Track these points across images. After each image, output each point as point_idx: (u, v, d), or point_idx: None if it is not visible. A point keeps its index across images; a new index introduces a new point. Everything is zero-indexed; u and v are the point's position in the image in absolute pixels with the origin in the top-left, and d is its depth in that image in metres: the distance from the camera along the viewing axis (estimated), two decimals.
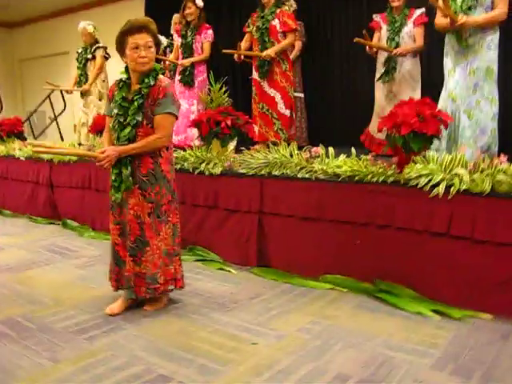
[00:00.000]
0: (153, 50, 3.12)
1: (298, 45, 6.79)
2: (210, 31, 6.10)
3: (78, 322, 3.24)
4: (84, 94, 7.10)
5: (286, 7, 5.60)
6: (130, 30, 3.10)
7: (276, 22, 5.47)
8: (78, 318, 3.29)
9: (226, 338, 2.98)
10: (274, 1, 5.51)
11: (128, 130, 3.13)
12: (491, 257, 3.21)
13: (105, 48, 7.01)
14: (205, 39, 6.05)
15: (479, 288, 3.25)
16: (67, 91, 7.47)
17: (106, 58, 7.07)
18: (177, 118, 3.22)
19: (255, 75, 5.64)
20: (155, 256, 3.23)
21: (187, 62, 5.98)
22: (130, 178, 3.15)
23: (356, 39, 5.22)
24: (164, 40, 3.00)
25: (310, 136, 6.78)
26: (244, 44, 5.71)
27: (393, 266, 3.56)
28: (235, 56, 5.64)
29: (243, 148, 4.63)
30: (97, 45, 7.03)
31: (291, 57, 6.16)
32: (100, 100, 7.04)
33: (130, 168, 3.14)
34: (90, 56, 7.03)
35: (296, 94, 6.40)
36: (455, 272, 3.32)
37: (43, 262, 4.57)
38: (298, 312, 3.36)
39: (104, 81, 7.14)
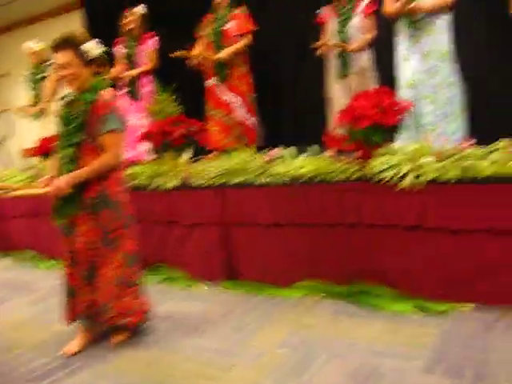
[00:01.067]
0: (74, 66, 2.89)
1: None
2: (155, 39, 5.87)
3: (37, 365, 2.95)
4: (41, 115, 6.78)
5: (241, 9, 5.44)
6: (51, 51, 2.93)
7: (230, 25, 5.29)
8: (37, 361, 3.00)
9: (201, 364, 2.77)
10: (227, 3, 5.32)
11: (69, 149, 2.91)
12: (467, 246, 3.10)
13: None
14: (149, 48, 5.82)
15: (458, 279, 3.15)
16: (25, 112, 7.04)
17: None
18: (124, 133, 3.00)
19: (211, 80, 5.44)
20: (107, 285, 2.98)
21: (134, 73, 5.73)
22: (75, 203, 2.91)
23: (314, 44, 5.13)
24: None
25: (266, 137, 6.62)
26: (197, 49, 5.49)
27: (368, 266, 3.42)
28: (190, 59, 5.41)
29: (199, 157, 4.42)
30: (48, 62, 6.72)
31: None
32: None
33: (76, 193, 2.90)
34: (43, 75, 6.73)
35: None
36: (433, 265, 3.21)
37: None
38: (274, 325, 3.18)
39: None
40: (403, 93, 4.16)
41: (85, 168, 2.89)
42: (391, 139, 3.46)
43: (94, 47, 2.94)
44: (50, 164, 3.18)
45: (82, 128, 2.89)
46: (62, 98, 3.07)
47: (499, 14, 5.20)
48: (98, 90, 2.95)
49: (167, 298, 3.86)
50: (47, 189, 2.91)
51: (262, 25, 6.77)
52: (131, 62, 5.81)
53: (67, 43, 2.90)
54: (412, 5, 3.96)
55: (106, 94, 2.97)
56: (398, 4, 4.04)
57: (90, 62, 2.95)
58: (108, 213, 2.95)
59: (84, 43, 2.94)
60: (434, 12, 4.04)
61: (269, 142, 6.19)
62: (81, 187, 2.91)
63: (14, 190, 3.44)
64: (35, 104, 6.81)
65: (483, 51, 5.43)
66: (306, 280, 3.65)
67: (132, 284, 3.10)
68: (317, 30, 5.44)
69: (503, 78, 5.20)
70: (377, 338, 2.85)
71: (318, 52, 5.29)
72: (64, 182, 2.84)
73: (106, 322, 3.03)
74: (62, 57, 2.88)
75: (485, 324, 2.88)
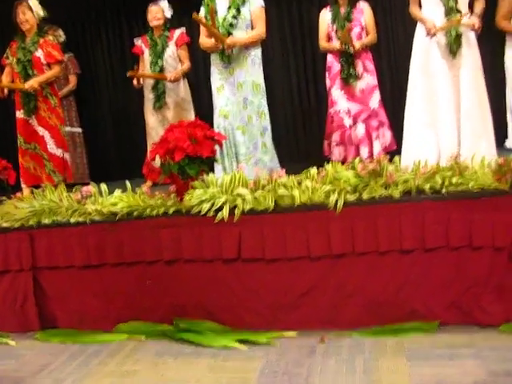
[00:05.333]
0: None
1: (73, 79, 6.37)
2: None
3: None
4: None
5: (51, 37, 5.15)
6: None
7: (40, 53, 4.97)
8: None
9: None
10: (36, 29, 5.00)
11: None
12: (284, 274, 3.15)
13: None
14: None
15: (278, 307, 3.17)
16: None
17: None
18: None
19: (20, 113, 5.06)
20: None
21: None
22: None
23: (129, 73, 5.04)
24: None
25: (92, 172, 6.35)
26: (5, 78, 5.08)
27: (190, 301, 3.33)
28: None
29: (4, 197, 4.05)
30: None
31: (65, 91, 5.83)
32: None
33: None
34: None
35: (74, 130, 5.98)
36: (253, 295, 3.20)
37: None
38: (93, 376, 2.93)
39: None
40: (218, 123, 4.21)
41: None
42: (207, 171, 3.43)
43: None
44: None
45: None
46: None
47: None
48: None
49: None
50: None
51: (82, 54, 6.61)
52: None
53: None
54: (228, 41, 4.09)
55: None
56: (213, 40, 4.11)
57: None
58: None
59: None
60: (248, 46, 4.20)
61: (93, 178, 5.98)
62: None
63: None
64: None
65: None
66: (127, 322, 3.46)
67: None
68: (136, 59, 5.41)
69: None
70: (200, 379, 2.74)
71: (134, 82, 5.21)
72: None
73: None
74: None
75: (308, 349, 2.91)
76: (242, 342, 3.08)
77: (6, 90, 5.03)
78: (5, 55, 5.15)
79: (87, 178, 6.17)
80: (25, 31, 5.01)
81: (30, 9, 4.97)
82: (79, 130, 6.37)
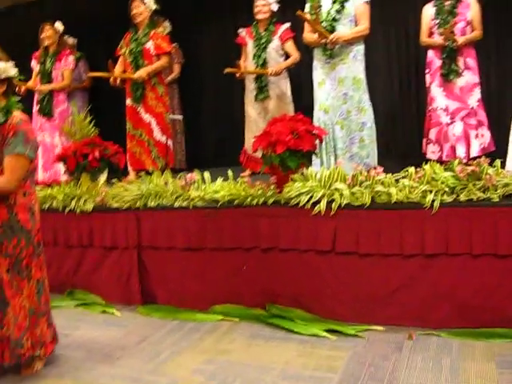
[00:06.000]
0: None
1: (177, 68, 6.61)
2: (71, 57, 5.75)
3: None
4: None
5: (161, 29, 5.42)
6: None
7: (150, 45, 5.26)
8: None
9: None
10: (147, 22, 5.29)
11: None
12: (377, 269, 3.21)
13: None
14: (65, 66, 5.68)
15: (369, 301, 3.24)
16: None
17: None
18: (31, 160, 2.86)
19: (129, 101, 5.38)
20: (19, 317, 2.84)
21: (45, 88, 5.58)
22: None
23: (226, 70, 5.20)
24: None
25: (188, 158, 6.60)
26: (118, 67, 5.42)
27: (283, 289, 3.46)
28: (111, 79, 5.34)
29: (115, 180, 4.34)
30: None
31: (168, 79, 6.00)
32: None
33: None
34: None
35: (175, 117, 6.22)
36: (345, 288, 3.29)
37: None
38: (190, 351, 3.15)
39: None
40: (318, 117, 4.28)
41: None
42: (306, 164, 3.54)
43: (9, 68, 2.84)
44: None
45: None
46: None
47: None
48: (8, 112, 2.83)
49: (81, 324, 3.74)
50: None
51: (188, 45, 6.84)
52: (45, 78, 5.65)
53: None
54: (331, 37, 4.12)
55: (17, 115, 2.86)
56: (317, 36, 4.17)
57: (2, 81, 2.85)
58: (17, 241, 2.82)
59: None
60: (350, 41, 4.23)
61: (191, 164, 6.24)
62: None
63: None
64: None
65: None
66: (222, 304, 3.65)
67: (44, 313, 2.99)
68: (239, 49, 5.54)
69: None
70: (289, 362, 2.89)
71: (236, 75, 5.35)
72: None
73: (20, 356, 2.87)
74: None
75: (395, 345, 2.97)
76: (330, 331, 3.19)
77: (118, 80, 5.34)
78: (119, 46, 5.47)
79: (184, 163, 6.43)
80: (137, 23, 5.30)
81: (143, 2, 5.25)
82: (180, 117, 6.62)
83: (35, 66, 5.69)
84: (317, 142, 3.52)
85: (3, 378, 3.00)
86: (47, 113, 5.61)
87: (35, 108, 5.67)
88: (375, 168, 3.49)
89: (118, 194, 4.05)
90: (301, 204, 3.30)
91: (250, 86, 5.37)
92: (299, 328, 3.27)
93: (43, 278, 2.99)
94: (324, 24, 4.23)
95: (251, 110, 5.40)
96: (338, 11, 4.22)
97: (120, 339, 3.43)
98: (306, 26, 4.41)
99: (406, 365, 2.74)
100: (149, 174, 4.48)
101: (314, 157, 3.64)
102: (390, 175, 3.38)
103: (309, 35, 4.35)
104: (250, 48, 5.35)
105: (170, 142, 5.43)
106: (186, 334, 3.43)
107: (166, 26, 6.26)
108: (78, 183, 4.30)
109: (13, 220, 2.81)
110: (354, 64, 4.27)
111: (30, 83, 5.64)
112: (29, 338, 2.88)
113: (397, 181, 3.33)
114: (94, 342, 3.42)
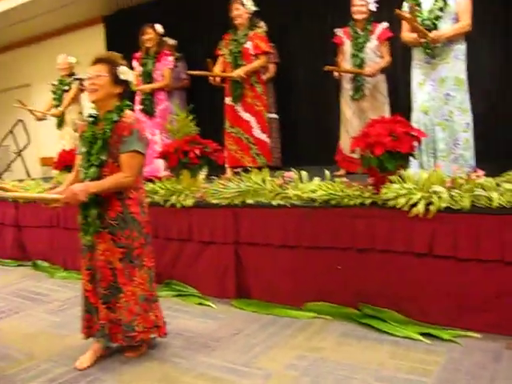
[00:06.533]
0: (104, 79, 2.97)
1: (273, 67, 6.72)
2: (171, 58, 6.00)
3: (52, 377, 3.01)
4: (59, 125, 7.01)
5: (259, 29, 5.54)
6: (91, 64, 3.05)
7: (249, 45, 5.40)
8: (52, 373, 3.07)
9: (211, 382, 2.82)
10: (246, 23, 5.43)
11: (93, 169, 2.99)
12: (475, 274, 3.14)
13: (81, 80, 6.92)
14: (165, 66, 5.93)
15: (466, 307, 3.18)
16: (36, 115, 7.22)
17: (82, 90, 6.98)
18: (144, 156, 3.07)
19: (228, 99, 5.54)
20: (130, 303, 3.05)
21: (147, 87, 5.85)
22: (98, 221, 2.99)
23: (326, 67, 5.25)
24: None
25: (283, 156, 6.68)
26: (218, 67, 5.61)
27: (377, 290, 3.46)
28: (210, 78, 5.53)
29: (214, 176, 4.48)
30: (73, 76, 7.02)
31: (264, 78, 6.08)
32: (75, 130, 6.94)
33: (97, 210, 2.98)
34: (66, 88, 6.98)
35: (271, 116, 6.32)
36: (441, 292, 3.24)
37: (12, 310, 4.34)
38: (283, 346, 3.22)
39: (80, 113, 7.12)
40: (417, 118, 4.21)
41: (100, 181, 2.95)
42: (404, 166, 3.52)
43: (127, 72, 3.04)
44: (69, 178, 3.26)
45: (105, 148, 2.97)
46: (87, 117, 3.15)
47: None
48: (122, 111, 3.03)
49: (179, 314, 3.92)
50: (60, 196, 2.95)
51: (282, 45, 6.93)
52: (146, 79, 5.92)
53: (106, 59, 3.03)
54: (432, 35, 4.02)
55: (130, 115, 3.06)
56: (416, 35, 4.11)
57: (119, 82, 3.03)
58: (129, 232, 3.02)
59: (120, 65, 3.05)
60: (452, 40, 4.11)
61: (285, 162, 6.32)
62: (103, 207, 3.00)
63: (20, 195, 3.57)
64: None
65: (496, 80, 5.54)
66: (316, 302, 3.69)
67: (155, 299, 3.20)
68: (334, 49, 5.57)
69: None
70: (383, 363, 2.89)
71: (335, 74, 5.38)
72: (79, 189, 2.87)
73: (132, 338, 3.08)
74: (96, 68, 2.99)
75: (493, 354, 2.89)
76: (424, 335, 3.16)
77: (217, 78, 5.51)
78: (218, 47, 5.65)
79: (280, 161, 6.51)
80: (237, 25, 5.44)
81: (243, 4, 5.38)
82: (275, 115, 6.72)
83: (137, 66, 5.96)
84: (415, 143, 3.49)
85: (110, 358, 3.21)
86: (149, 112, 5.88)
87: (137, 107, 5.94)
88: (475, 171, 3.42)
89: (217, 191, 4.17)
90: (398, 206, 3.29)
91: (347, 86, 5.39)
92: (393, 329, 3.27)
93: (153, 267, 3.19)
94: (426, 23, 4.14)
95: (347, 109, 5.42)
96: (441, 9, 4.10)
97: (215, 331, 3.56)
98: (404, 25, 4.32)
99: (506, 376, 2.67)
100: (245, 171, 4.60)
101: (412, 158, 3.60)
102: (490, 179, 3.29)
103: (407, 34, 4.28)
104: (347, 48, 5.37)
105: (268, 140, 5.53)
106: (279, 329, 3.51)
107: (262, 26, 6.37)
108: (179, 179, 4.48)
109: (126, 213, 3.02)
110: (456, 64, 4.14)
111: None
112: (141, 323, 3.09)
113: (498, 185, 3.25)
114: (191, 331, 3.57)
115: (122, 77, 3.02)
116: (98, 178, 2.97)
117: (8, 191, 3.60)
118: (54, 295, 4.72)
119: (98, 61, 3.02)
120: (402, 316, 3.35)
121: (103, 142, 2.97)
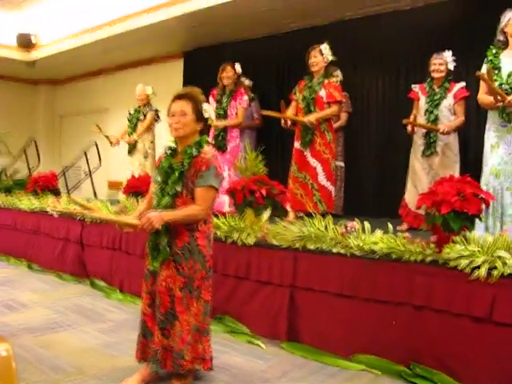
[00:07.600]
0: (189, 117, 3.11)
1: (344, 116, 6.80)
2: (246, 97, 6.17)
3: None
4: (130, 152, 7.29)
5: (334, 79, 5.64)
6: (173, 98, 3.18)
7: (323, 93, 5.51)
8: None
9: None
10: (323, 71, 5.55)
11: (166, 198, 3.11)
12: None
13: (156, 111, 7.25)
14: (239, 105, 6.11)
15: None
16: (111, 141, 7.55)
17: (156, 120, 7.31)
18: (218, 192, 3.17)
19: (297, 144, 5.63)
20: (184, 331, 3.11)
21: (221, 124, 6.03)
22: (168, 249, 3.09)
23: (405, 120, 5.29)
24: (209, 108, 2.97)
25: (345, 205, 6.69)
26: (291, 111, 5.73)
27: (430, 350, 3.40)
28: (282, 121, 5.66)
29: (276, 218, 4.54)
30: (150, 107, 7.34)
31: (335, 126, 6.12)
32: (145, 158, 7.21)
33: (167, 238, 3.09)
34: (141, 117, 7.28)
35: (337, 164, 6.35)
36: (497, 360, 3.14)
37: (68, 325, 4.49)
38: None
39: (152, 142, 7.41)
40: (487, 180, 4.17)
41: (174, 211, 3.05)
42: (469, 228, 3.48)
43: (209, 109, 3.18)
44: (142, 206, 3.40)
45: (181, 180, 3.09)
46: (167, 150, 3.28)
47: None
48: (201, 147, 3.16)
49: (228, 349, 3.94)
50: (138, 221, 3.06)
51: (355, 94, 7.01)
52: (221, 115, 6.10)
53: (191, 96, 3.16)
54: (510, 98, 4.00)
55: (209, 151, 3.18)
56: (493, 98, 4.09)
57: (201, 119, 3.18)
58: (193, 263, 3.11)
59: (203, 102, 3.19)
60: None
61: (347, 210, 6.33)
62: (172, 235, 3.10)
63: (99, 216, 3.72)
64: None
65: None
66: (365, 354, 3.65)
67: (206, 332, 3.25)
68: (407, 104, 5.60)
69: None
70: None
71: (408, 129, 5.40)
72: (156, 217, 2.96)
73: (181, 366, 3.12)
74: (181, 105, 3.13)
75: None
76: None
77: (289, 121, 5.62)
78: (293, 91, 5.78)
79: (341, 210, 6.51)
80: (313, 72, 5.57)
81: (321, 53, 5.51)
82: (342, 164, 6.77)
83: (212, 102, 6.15)
84: (483, 206, 3.46)
85: None
86: (221, 147, 6.05)
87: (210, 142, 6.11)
88: None
89: (279, 233, 4.22)
90: (460, 267, 3.24)
91: (419, 141, 5.40)
92: None
93: (209, 301, 3.25)
94: (505, 87, 4.13)
95: (417, 164, 5.41)
96: None
97: (263, 371, 3.57)
98: (482, 87, 4.32)
99: None
100: (308, 215, 4.64)
101: (477, 221, 3.56)
102: None
103: (485, 96, 4.27)
104: (423, 104, 5.39)
105: (332, 188, 5.57)
106: (326, 377, 3.49)
107: (337, 75, 6.47)
108: (243, 217, 4.55)
109: (193, 244, 3.12)
110: None
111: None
112: (190, 352, 3.14)
113: None
114: (238, 368, 3.59)
115: (206, 115, 3.16)
116: (171, 207, 3.08)
117: (88, 209, 3.76)
118: (108, 315, 4.84)
119: (182, 96, 3.16)
120: (453, 380, 3.27)
121: (180, 174, 3.09)
